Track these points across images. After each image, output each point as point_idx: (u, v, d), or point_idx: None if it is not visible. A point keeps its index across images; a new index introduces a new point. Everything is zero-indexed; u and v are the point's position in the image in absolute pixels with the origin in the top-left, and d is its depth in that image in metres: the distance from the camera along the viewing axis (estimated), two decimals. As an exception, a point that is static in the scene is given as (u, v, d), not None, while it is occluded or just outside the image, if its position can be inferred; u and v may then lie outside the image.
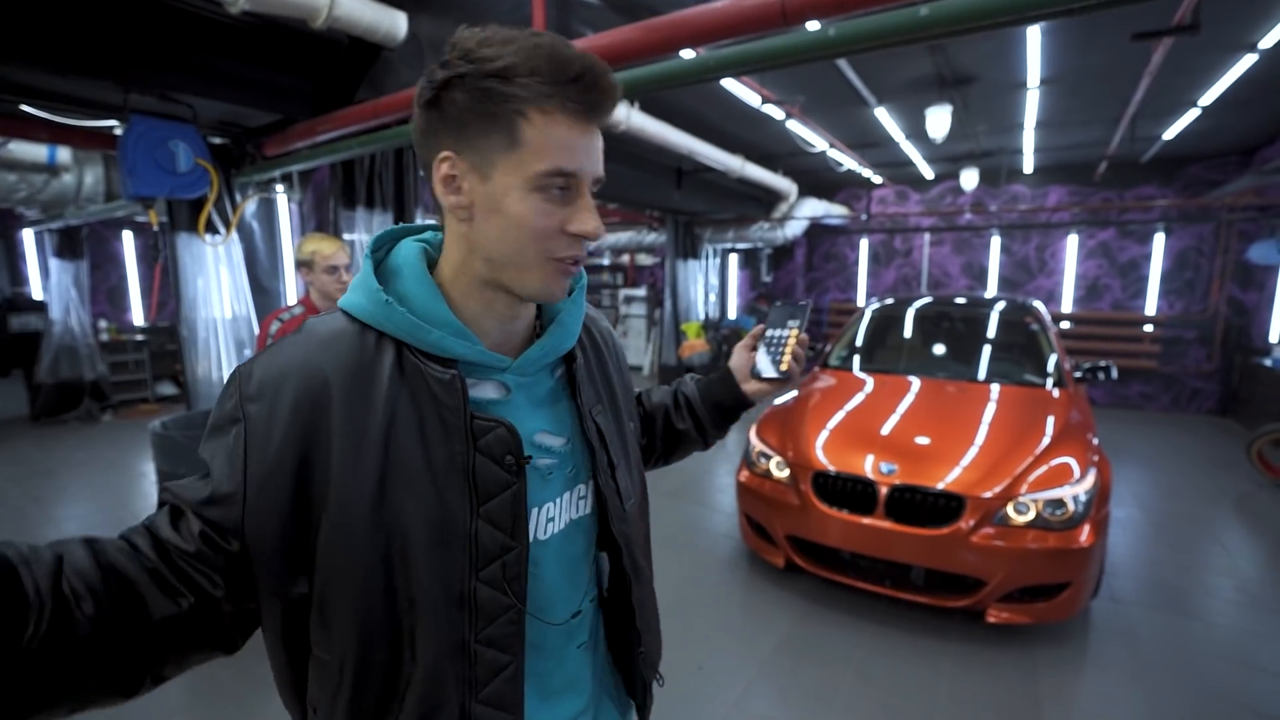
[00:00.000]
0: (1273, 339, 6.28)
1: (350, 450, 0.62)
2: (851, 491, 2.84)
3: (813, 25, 1.66)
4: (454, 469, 0.64)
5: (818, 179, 8.44)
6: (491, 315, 0.69)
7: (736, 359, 1.00)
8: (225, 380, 0.62)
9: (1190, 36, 2.57)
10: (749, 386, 0.97)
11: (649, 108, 4.28)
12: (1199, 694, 2.37)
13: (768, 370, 0.94)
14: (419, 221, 0.77)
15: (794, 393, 3.76)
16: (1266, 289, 6.57)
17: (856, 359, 4.18)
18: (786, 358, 0.93)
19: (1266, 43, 3.70)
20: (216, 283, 3.52)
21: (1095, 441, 3.01)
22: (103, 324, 7.29)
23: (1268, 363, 6.01)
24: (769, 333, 0.97)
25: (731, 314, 9.43)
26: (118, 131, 3.05)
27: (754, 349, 0.98)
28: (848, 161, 6.95)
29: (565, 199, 0.64)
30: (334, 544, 0.62)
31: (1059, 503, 2.61)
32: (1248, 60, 4.00)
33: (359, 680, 0.65)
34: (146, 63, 2.67)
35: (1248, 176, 5.70)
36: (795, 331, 0.94)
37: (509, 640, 0.68)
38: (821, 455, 2.99)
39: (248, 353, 3.60)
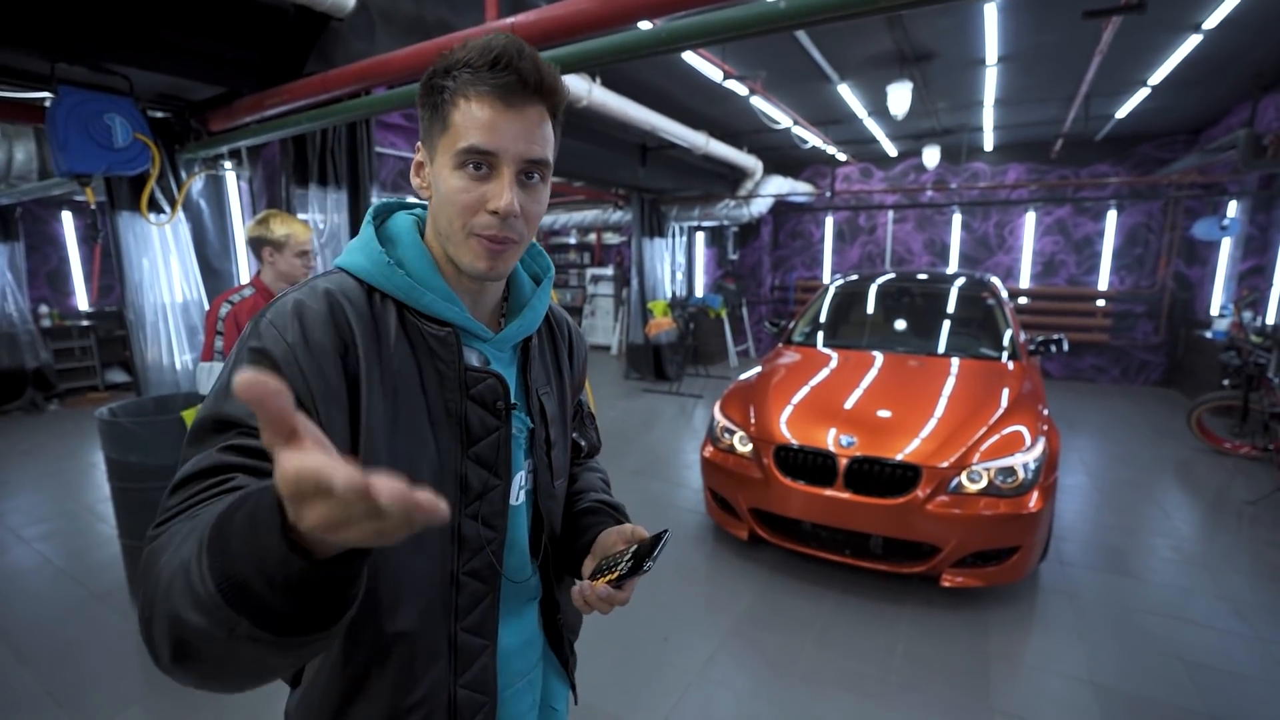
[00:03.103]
0: (1213, 312, 6.57)
1: (370, 389, 0.67)
2: (812, 464, 2.90)
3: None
4: (447, 415, 0.72)
5: (783, 156, 8.46)
6: (460, 287, 0.74)
7: (603, 541, 0.83)
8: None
9: (1138, 16, 2.64)
10: (587, 563, 0.83)
11: (611, 83, 4.22)
12: (1134, 646, 2.52)
13: (604, 570, 0.76)
14: (389, 200, 0.82)
15: (758, 368, 3.81)
16: (1209, 264, 6.85)
17: (820, 335, 4.25)
18: (606, 578, 0.73)
19: (1210, 23, 3.81)
20: (164, 264, 3.37)
21: (1045, 412, 3.12)
22: (44, 309, 6.96)
23: (1208, 335, 6.28)
24: (630, 551, 0.76)
25: (698, 292, 9.44)
26: (49, 104, 2.88)
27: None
28: (812, 139, 6.97)
29: (487, 177, 0.68)
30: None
31: (1009, 470, 2.71)
32: (1193, 40, 4.12)
33: (366, 605, 0.65)
34: (75, 31, 2.51)
35: (1192, 156, 5.90)
36: (619, 573, 0.72)
37: (488, 573, 0.75)
38: (784, 429, 3.05)
39: (200, 337, 3.48)
